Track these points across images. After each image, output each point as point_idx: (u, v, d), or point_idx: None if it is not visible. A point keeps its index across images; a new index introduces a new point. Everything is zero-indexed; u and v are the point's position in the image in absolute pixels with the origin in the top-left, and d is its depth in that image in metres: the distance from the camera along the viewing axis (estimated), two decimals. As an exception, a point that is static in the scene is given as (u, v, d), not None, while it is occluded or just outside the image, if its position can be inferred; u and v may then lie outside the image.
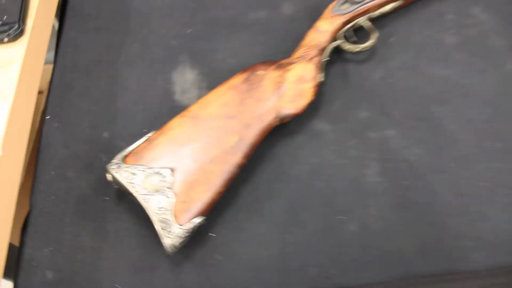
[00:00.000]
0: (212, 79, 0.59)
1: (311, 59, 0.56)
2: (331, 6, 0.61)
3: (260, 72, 0.55)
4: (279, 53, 0.59)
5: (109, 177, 0.49)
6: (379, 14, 0.62)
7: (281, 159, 0.55)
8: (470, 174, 0.52)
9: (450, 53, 0.59)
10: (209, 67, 0.60)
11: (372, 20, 0.62)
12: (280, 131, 0.56)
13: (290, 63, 0.56)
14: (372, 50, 0.60)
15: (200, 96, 0.57)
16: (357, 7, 0.61)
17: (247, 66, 0.60)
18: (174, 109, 0.56)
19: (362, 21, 0.61)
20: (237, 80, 0.54)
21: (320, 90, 0.57)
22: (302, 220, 0.51)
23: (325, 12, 0.60)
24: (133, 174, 0.48)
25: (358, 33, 0.61)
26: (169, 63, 0.60)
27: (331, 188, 0.53)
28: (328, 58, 0.58)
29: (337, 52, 0.61)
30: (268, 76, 0.54)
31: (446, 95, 0.58)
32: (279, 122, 0.53)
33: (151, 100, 0.58)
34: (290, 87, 0.54)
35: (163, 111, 0.57)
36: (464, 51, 0.59)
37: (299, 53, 0.57)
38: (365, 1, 0.61)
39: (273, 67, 0.55)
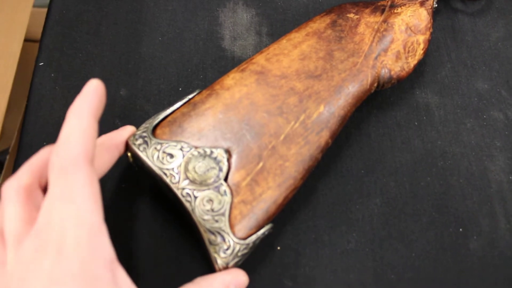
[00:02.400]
0: (275, 23, 0.42)
1: (423, 2, 0.39)
2: None
3: (352, 15, 0.38)
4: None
5: (130, 156, 0.33)
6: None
7: (375, 143, 0.38)
8: None
9: None
10: (271, 5, 0.43)
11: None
12: (372, 103, 0.40)
13: (395, 6, 0.39)
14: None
15: (258, 45, 0.41)
16: None
17: (327, 6, 0.43)
18: (221, 61, 0.40)
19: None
20: (320, 24, 0.37)
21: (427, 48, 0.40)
22: (405, 231, 0.36)
23: None
24: (169, 155, 0.31)
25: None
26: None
27: (443, 187, 0.38)
28: (436, 5, 0.41)
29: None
30: (364, 21, 0.38)
31: None
32: (376, 88, 0.37)
33: (188, 47, 0.41)
34: (397, 37, 0.37)
35: (206, 63, 0.40)
36: None
37: (407, -8, 0.40)
38: None
39: (369, 9, 0.39)
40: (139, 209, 0.35)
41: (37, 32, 0.43)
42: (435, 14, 0.45)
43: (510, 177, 0.38)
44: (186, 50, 0.40)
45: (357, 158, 0.37)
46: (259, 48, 0.40)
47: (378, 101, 0.40)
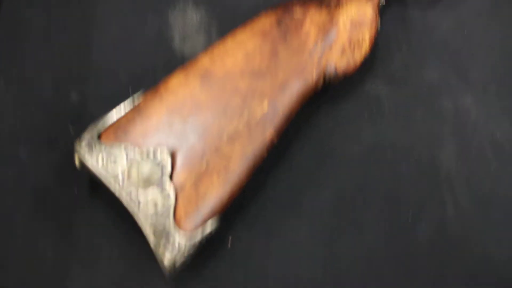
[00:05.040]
0: (225, 22, 0.42)
1: (371, -1, 0.40)
2: None
3: (297, 13, 0.38)
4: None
5: (77, 161, 0.33)
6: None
7: (325, 136, 0.39)
8: None
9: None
10: (221, 4, 0.43)
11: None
12: (323, 98, 0.40)
13: (341, 2, 0.39)
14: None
15: (208, 45, 0.41)
16: None
17: (275, 4, 0.44)
18: (171, 62, 0.40)
19: None
20: (265, 22, 0.38)
21: (376, 42, 0.41)
22: (356, 220, 0.37)
23: None
24: (113, 157, 0.31)
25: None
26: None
27: (393, 176, 0.38)
28: (384, 3, 0.42)
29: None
30: (309, 18, 0.38)
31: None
32: (323, 85, 0.38)
33: (138, 49, 0.41)
34: (342, 34, 0.38)
35: (155, 64, 0.40)
36: None
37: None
38: None
39: (315, 6, 0.39)
40: (94, 208, 0.36)
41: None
42: (386, 7, 0.45)
43: (459, 164, 0.39)
44: (137, 52, 0.41)
45: (307, 151, 0.38)
46: (207, 48, 0.41)
47: (328, 95, 0.41)
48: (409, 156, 0.39)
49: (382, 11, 0.42)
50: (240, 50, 0.36)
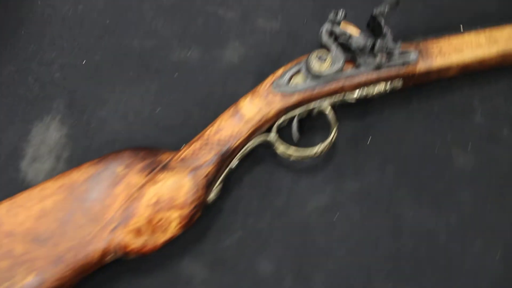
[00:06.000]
0: (78, 149, 0.41)
1: (197, 169, 0.35)
2: (271, 77, 0.38)
3: (120, 169, 0.36)
4: (208, 117, 0.39)
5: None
6: (353, 99, 0.39)
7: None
8: None
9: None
10: (84, 128, 0.41)
11: (336, 107, 0.39)
12: (122, 268, 0.37)
13: (166, 168, 0.36)
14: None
15: (53, 171, 0.40)
16: (319, 86, 0.38)
17: (130, 141, 0.41)
18: (12, 184, 0.39)
19: (319, 108, 0.38)
20: (82, 174, 0.35)
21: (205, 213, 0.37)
22: None
23: (260, 87, 0.38)
24: None
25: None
26: (37, 107, 0.42)
27: None
28: (236, 164, 0.37)
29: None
30: (127, 179, 0.35)
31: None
32: (113, 259, 0.35)
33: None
34: (143, 212, 0.34)
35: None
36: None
37: (190, 150, 0.37)
38: (337, 75, 0.38)
39: (142, 164, 0.36)
40: None
41: None
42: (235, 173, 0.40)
43: None
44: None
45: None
46: (51, 174, 0.40)
47: (134, 265, 0.37)
48: None
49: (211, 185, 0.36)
50: (38, 205, 0.34)
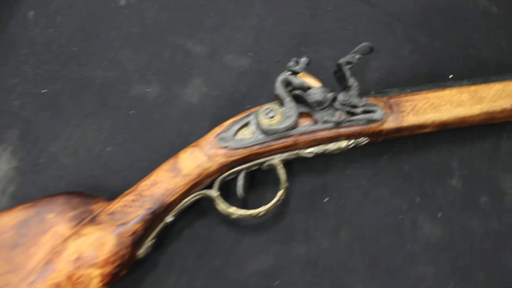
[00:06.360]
0: (25, 184, 0.39)
1: (124, 225, 0.33)
2: (217, 129, 0.35)
3: (51, 216, 0.34)
4: (157, 162, 0.37)
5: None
6: (307, 154, 0.36)
7: None
8: None
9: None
10: (33, 162, 0.40)
11: (287, 163, 0.37)
12: None
13: (93, 222, 0.34)
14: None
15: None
16: (268, 141, 0.35)
17: (82, 178, 0.40)
18: None
19: (269, 162, 0.36)
20: (11, 218, 0.34)
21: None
22: None
23: (203, 140, 0.36)
24: None
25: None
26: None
27: None
28: (171, 219, 0.35)
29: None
30: (56, 228, 0.34)
31: None
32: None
33: None
34: (62, 268, 0.32)
35: None
36: None
37: (121, 203, 0.35)
38: (290, 131, 0.35)
39: (74, 213, 0.34)
40: None
41: None
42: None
43: None
44: None
45: None
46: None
47: None
48: None
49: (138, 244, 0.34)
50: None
